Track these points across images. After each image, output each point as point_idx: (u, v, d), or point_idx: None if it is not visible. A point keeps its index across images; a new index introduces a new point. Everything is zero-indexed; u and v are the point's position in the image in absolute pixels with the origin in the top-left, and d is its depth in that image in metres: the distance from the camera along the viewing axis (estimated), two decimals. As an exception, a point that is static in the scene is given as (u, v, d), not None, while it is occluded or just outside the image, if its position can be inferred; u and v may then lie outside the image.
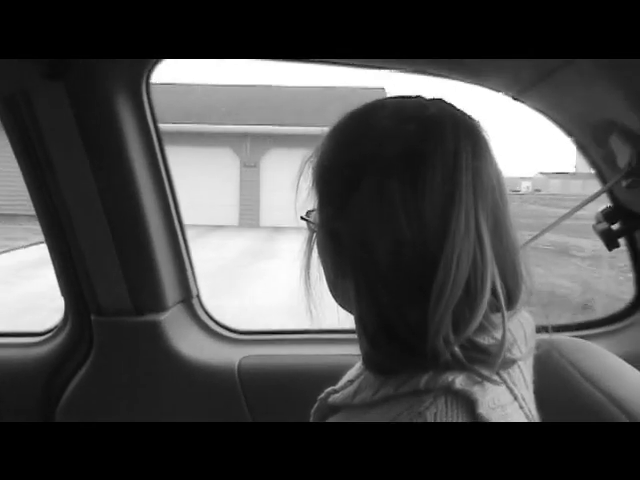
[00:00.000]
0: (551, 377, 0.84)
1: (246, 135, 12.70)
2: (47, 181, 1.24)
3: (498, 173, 0.59)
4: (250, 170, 13.04)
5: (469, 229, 0.53)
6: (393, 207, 0.54)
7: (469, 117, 0.60)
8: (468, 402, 0.52)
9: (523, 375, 0.59)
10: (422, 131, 0.56)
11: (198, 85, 15.07)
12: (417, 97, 0.62)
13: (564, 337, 1.04)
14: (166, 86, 14.41)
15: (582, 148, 1.19)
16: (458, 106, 0.61)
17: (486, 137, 0.59)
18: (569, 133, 1.18)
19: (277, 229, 11.17)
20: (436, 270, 0.52)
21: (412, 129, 0.56)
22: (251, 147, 12.96)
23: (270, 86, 14.70)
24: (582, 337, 1.12)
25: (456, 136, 0.55)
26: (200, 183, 12.43)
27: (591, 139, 1.12)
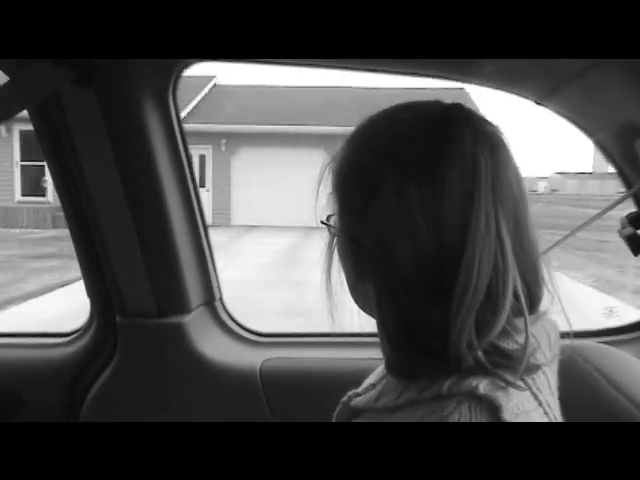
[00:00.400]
0: (576, 383, 0.83)
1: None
2: (76, 184, 1.26)
3: (518, 176, 0.59)
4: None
5: (489, 233, 0.53)
6: (412, 212, 0.54)
7: (487, 122, 0.60)
8: (492, 408, 0.52)
9: (548, 381, 0.59)
10: (440, 136, 0.56)
11: (294, 88, 15.45)
12: (435, 102, 0.62)
13: (589, 343, 1.04)
14: (265, 89, 14.76)
15: (605, 152, 1.18)
16: (477, 111, 0.61)
17: (505, 141, 0.59)
18: (592, 136, 1.17)
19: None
20: (457, 274, 0.52)
21: (429, 134, 0.57)
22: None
23: (359, 88, 14.81)
24: (607, 343, 1.11)
25: (474, 140, 0.55)
26: (299, 184, 12.56)
27: (615, 143, 1.11)
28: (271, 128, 13.12)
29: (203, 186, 14.84)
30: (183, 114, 13.65)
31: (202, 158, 14.54)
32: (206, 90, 14.99)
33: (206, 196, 15.04)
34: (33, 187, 12.86)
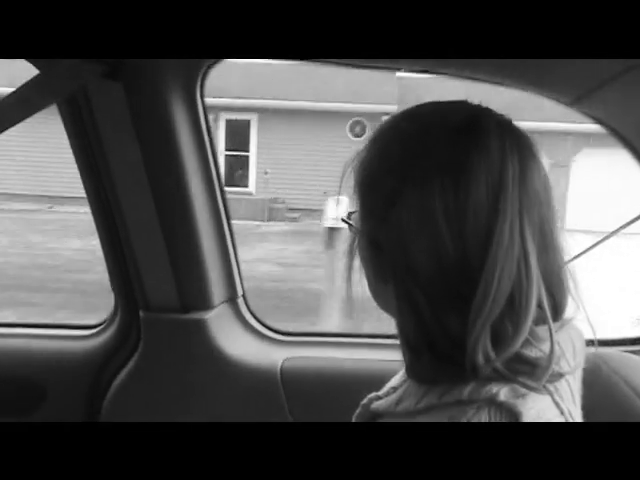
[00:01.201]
0: (600, 392, 0.81)
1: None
2: (102, 179, 1.28)
3: (546, 185, 0.57)
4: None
5: (513, 244, 0.52)
6: (434, 221, 0.53)
7: (517, 127, 0.58)
8: (512, 414, 0.51)
9: (571, 390, 0.57)
10: (466, 141, 0.54)
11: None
12: (462, 103, 0.61)
13: (614, 351, 1.01)
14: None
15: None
16: (506, 115, 0.59)
17: (534, 149, 0.57)
18: (627, 142, 1.14)
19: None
20: (476, 285, 0.51)
21: (455, 139, 0.55)
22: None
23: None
24: (632, 353, 1.08)
25: (502, 147, 0.54)
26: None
27: None
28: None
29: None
30: (396, 106, 13.55)
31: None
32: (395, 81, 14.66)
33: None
34: (235, 178, 12.13)
